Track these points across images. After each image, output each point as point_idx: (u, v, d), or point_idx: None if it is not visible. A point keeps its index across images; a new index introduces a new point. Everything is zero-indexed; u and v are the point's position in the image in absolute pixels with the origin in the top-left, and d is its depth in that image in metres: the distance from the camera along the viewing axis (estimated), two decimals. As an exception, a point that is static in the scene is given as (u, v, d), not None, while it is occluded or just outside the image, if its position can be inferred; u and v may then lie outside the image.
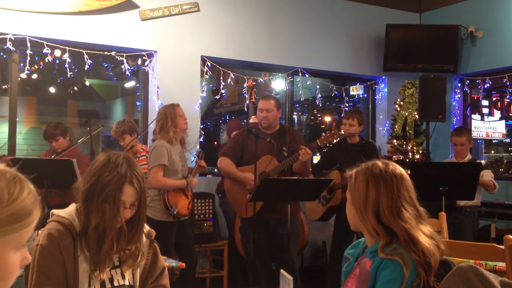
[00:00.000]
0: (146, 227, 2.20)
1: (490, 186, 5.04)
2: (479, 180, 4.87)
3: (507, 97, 6.97)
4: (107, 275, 2.04)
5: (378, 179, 1.94)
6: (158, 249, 2.25)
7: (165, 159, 4.33)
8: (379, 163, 2.01)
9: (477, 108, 7.18)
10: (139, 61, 5.81)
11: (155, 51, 5.81)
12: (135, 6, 5.67)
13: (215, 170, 6.26)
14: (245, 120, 6.23)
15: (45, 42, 5.22)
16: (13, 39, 5.14)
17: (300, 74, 6.65)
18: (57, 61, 5.48)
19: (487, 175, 5.02)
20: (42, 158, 5.17)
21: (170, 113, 4.47)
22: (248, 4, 6.33)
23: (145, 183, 2.12)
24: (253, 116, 5.51)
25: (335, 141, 4.77)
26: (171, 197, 4.37)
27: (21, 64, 5.32)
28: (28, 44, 5.16)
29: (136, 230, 2.08)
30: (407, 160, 6.26)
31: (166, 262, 2.91)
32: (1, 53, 5.46)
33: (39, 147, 7.51)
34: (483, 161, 5.84)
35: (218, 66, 6.13)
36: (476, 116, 7.16)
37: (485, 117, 7.18)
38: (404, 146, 6.45)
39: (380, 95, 7.31)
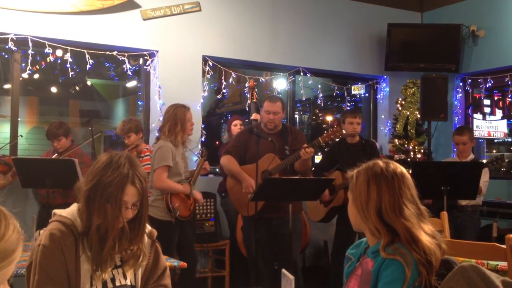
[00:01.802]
0: (148, 227, 2.20)
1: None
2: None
3: (509, 96, 6.96)
4: (109, 275, 2.05)
5: (379, 178, 1.95)
6: (160, 249, 2.26)
7: (169, 160, 4.34)
8: (380, 162, 2.01)
9: (478, 108, 7.17)
10: (141, 61, 5.81)
11: (157, 51, 5.81)
12: (137, 6, 5.67)
13: (217, 169, 6.26)
14: (247, 120, 6.22)
15: (46, 42, 5.23)
16: (15, 39, 5.14)
17: (302, 74, 6.65)
18: (59, 61, 5.49)
19: (481, 177, 4.93)
20: (44, 158, 5.17)
21: (181, 117, 4.45)
22: (250, 4, 6.33)
23: (147, 183, 2.12)
24: (254, 113, 5.51)
25: (337, 139, 4.76)
26: (174, 199, 4.38)
27: (23, 64, 5.33)
28: (30, 44, 5.17)
29: (138, 230, 2.08)
30: (409, 159, 6.25)
31: (168, 261, 2.91)
32: (3, 53, 5.47)
33: (41, 146, 7.52)
34: (484, 161, 5.83)
35: (219, 66, 6.13)
36: (478, 116, 7.15)
37: (487, 116, 7.17)
38: (406, 146, 6.44)
39: (381, 94, 7.30)
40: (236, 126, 5.72)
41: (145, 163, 4.80)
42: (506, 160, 7.07)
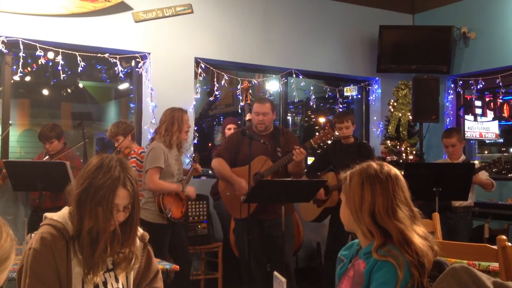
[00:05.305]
0: (140, 230, 2.19)
1: (488, 184, 5.02)
2: (476, 180, 4.90)
3: (500, 97, 7.00)
4: (101, 278, 2.04)
5: (373, 180, 1.95)
6: (152, 252, 2.25)
7: (161, 162, 4.34)
8: (374, 164, 2.02)
9: (470, 109, 7.20)
10: (133, 63, 5.80)
11: (149, 53, 5.80)
12: (129, 8, 5.66)
13: (210, 172, 6.25)
14: (239, 122, 6.22)
15: (38, 44, 5.20)
16: (6, 41, 5.11)
17: (294, 76, 6.66)
18: (50, 63, 5.47)
19: (482, 174, 5.02)
20: (35, 161, 5.14)
21: (178, 118, 4.49)
22: (242, 6, 6.33)
23: (139, 186, 2.11)
24: (248, 114, 5.50)
25: (329, 141, 4.77)
26: (166, 200, 4.37)
27: (14, 67, 5.30)
28: (21, 46, 5.14)
29: (129, 233, 2.08)
30: (401, 161, 6.27)
31: (160, 264, 2.90)
32: (-6, 56, 5.44)
33: (32, 149, 7.49)
34: (476, 162, 5.86)
35: (212, 68, 6.13)
36: (469, 117, 7.19)
37: (478, 117, 7.21)
38: (398, 147, 6.46)
39: (373, 96, 7.32)
40: (230, 130, 5.71)
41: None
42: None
